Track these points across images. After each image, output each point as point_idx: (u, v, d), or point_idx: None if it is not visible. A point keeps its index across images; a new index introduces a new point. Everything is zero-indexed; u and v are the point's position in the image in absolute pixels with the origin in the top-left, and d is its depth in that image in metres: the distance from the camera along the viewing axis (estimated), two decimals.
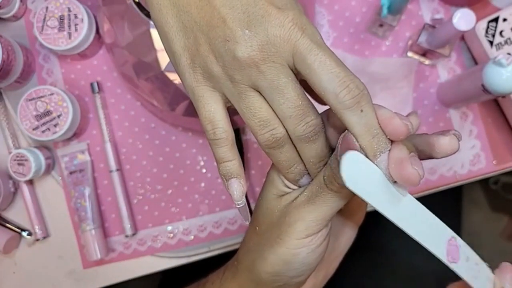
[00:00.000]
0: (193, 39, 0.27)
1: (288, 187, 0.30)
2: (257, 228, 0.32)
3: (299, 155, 0.29)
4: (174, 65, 0.29)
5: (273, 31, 0.25)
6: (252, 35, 0.25)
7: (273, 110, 0.27)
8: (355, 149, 0.25)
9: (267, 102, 0.27)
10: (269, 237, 0.30)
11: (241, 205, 0.30)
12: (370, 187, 0.25)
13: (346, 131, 0.26)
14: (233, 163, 0.29)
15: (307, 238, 0.28)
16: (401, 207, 0.26)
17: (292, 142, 0.28)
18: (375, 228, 0.71)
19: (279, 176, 0.30)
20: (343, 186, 0.24)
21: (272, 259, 0.29)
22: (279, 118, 0.27)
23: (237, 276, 0.33)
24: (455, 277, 0.29)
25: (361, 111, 0.25)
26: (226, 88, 0.27)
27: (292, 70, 0.26)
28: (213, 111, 0.28)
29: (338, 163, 0.25)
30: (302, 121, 0.26)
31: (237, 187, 0.29)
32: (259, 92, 0.27)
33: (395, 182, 0.26)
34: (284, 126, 0.27)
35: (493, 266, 0.30)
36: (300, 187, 0.30)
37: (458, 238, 0.28)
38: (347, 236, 0.38)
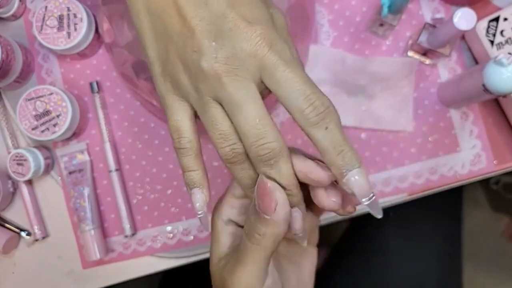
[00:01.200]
0: (164, 47, 0.27)
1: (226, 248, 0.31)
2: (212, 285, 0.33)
3: None
4: (149, 71, 0.29)
5: (240, 44, 0.25)
6: (218, 47, 0.25)
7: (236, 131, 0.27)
8: (272, 200, 0.26)
9: (232, 124, 0.27)
10: None
11: (202, 215, 0.30)
12: None
13: (260, 175, 0.26)
14: (196, 173, 0.29)
15: None
16: None
17: None
18: (373, 230, 0.71)
19: (218, 239, 0.31)
20: (264, 234, 0.25)
21: None
22: (240, 136, 0.26)
23: None
24: (457, 282, 0.29)
25: (326, 128, 0.25)
26: (192, 98, 0.27)
27: (257, 86, 0.26)
28: (179, 120, 0.28)
29: (257, 215, 0.25)
30: (256, 142, 0.25)
31: (199, 197, 0.29)
32: (222, 105, 0.27)
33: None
34: None
35: (495, 267, 0.29)
36: None
37: None
38: (309, 260, 0.37)
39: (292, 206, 0.27)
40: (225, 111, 0.27)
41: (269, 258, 0.29)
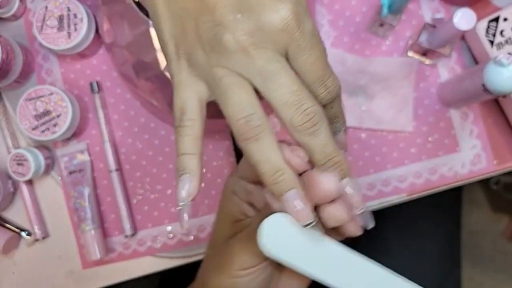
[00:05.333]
0: (181, 26, 0.26)
1: (243, 214, 0.32)
2: (209, 251, 0.34)
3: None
4: (164, 54, 0.28)
5: (268, 17, 0.24)
6: (243, 20, 0.24)
7: (258, 102, 0.26)
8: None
9: (250, 94, 0.26)
10: (215, 263, 0.32)
11: (182, 207, 0.26)
12: (294, 250, 0.26)
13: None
14: (190, 157, 0.26)
15: (245, 270, 0.29)
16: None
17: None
18: (372, 230, 0.71)
19: (234, 202, 0.32)
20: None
21: (215, 284, 0.31)
22: (275, 108, 0.25)
23: None
24: (456, 282, 0.29)
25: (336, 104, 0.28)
26: (209, 76, 0.26)
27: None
28: (186, 99, 0.26)
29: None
30: (299, 109, 0.24)
31: (187, 186, 0.26)
32: (247, 81, 0.25)
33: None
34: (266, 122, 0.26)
35: (495, 267, 0.29)
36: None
37: None
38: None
39: (343, 177, 0.26)
40: (246, 88, 0.25)
41: None
